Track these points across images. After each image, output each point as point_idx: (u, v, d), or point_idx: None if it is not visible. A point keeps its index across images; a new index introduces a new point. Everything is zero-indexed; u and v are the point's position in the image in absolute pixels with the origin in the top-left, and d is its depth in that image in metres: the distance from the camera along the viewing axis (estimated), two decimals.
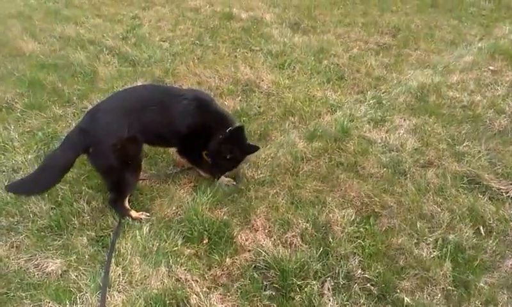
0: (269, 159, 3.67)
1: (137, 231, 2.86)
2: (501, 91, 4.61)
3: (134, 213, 3.05)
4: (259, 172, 3.52)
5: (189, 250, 2.78)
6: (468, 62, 5.27)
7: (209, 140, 3.20)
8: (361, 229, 2.91)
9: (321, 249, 2.76)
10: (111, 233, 2.88)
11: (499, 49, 5.53)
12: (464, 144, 3.79)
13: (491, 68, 5.10)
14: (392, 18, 6.85)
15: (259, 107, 4.48)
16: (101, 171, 3.00)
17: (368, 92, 4.72)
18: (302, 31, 6.50)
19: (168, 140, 3.25)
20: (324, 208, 3.11)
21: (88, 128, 2.84)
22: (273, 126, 4.14)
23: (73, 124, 3.86)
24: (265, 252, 2.69)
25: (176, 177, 3.46)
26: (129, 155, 2.92)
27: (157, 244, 2.77)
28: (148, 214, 3.09)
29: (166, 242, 2.81)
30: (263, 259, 2.67)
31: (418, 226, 2.92)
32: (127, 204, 3.07)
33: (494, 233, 2.85)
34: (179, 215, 3.06)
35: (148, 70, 5.26)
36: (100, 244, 2.87)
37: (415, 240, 2.83)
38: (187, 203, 3.13)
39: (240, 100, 4.63)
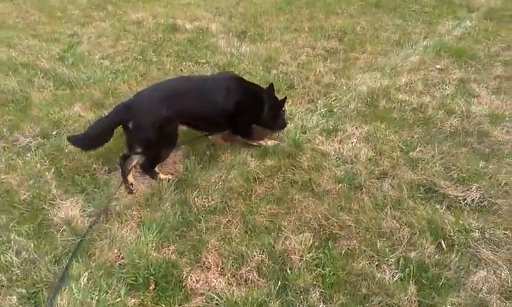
0: (220, 183, 3.44)
1: (73, 284, 2.55)
2: (449, 90, 4.62)
3: (162, 175, 3.51)
4: (209, 199, 3.29)
5: (133, 300, 2.50)
6: (415, 62, 5.27)
7: (254, 110, 3.77)
8: (320, 255, 2.74)
9: (279, 283, 2.57)
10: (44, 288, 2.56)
11: (444, 47, 5.58)
12: (418, 150, 3.72)
13: (437, 66, 5.12)
14: (337, 21, 6.81)
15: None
16: (139, 142, 3.36)
17: (319, 100, 4.60)
18: (249, 39, 6.33)
19: (214, 121, 3.65)
20: (280, 234, 2.93)
21: (131, 104, 3.32)
22: (224, 146, 3.92)
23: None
24: (218, 296, 2.46)
25: (118, 213, 3.17)
26: (165, 131, 3.36)
27: (97, 297, 2.48)
28: (173, 175, 3.58)
29: (107, 292, 2.52)
30: (216, 304, 2.44)
31: (378, 245, 2.79)
32: (156, 168, 3.52)
33: (456, 246, 2.75)
34: (122, 258, 2.77)
35: (87, 92, 4.90)
36: (33, 301, 2.54)
37: (376, 262, 2.68)
38: (130, 243, 2.85)
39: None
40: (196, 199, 3.28)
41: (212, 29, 6.70)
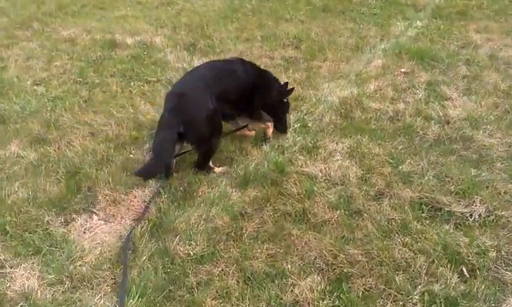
0: (202, 223, 2.99)
1: None
2: (420, 94, 4.49)
3: (217, 169, 3.54)
4: (194, 244, 2.83)
5: None
6: (379, 67, 5.12)
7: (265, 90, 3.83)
8: (337, 302, 2.39)
9: None
10: None
11: (403, 48, 5.49)
12: (407, 163, 3.51)
13: (402, 70, 5.00)
14: (289, 28, 6.54)
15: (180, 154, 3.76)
16: (196, 142, 3.46)
17: (291, 116, 4.26)
18: (200, 52, 5.87)
19: (237, 102, 3.67)
20: (285, 281, 2.54)
21: (179, 107, 3.33)
22: (198, 177, 3.46)
23: None
24: None
25: (86, 277, 2.61)
26: (216, 123, 3.43)
27: None
28: (226, 168, 3.58)
29: None
30: None
31: (397, 281, 2.49)
32: (210, 163, 3.53)
33: (478, 272, 2.53)
34: None
35: (23, 127, 4.21)
36: None
37: (401, 303, 2.38)
38: None
39: (148, 149, 3.85)
40: (177, 247, 2.81)
41: (156, 43, 6.16)
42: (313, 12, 7.23)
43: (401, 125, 4.03)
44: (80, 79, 5.21)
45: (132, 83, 5.09)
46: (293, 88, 4.02)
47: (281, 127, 3.96)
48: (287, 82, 4.01)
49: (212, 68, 3.80)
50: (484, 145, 3.66)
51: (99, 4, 8.24)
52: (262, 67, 4.14)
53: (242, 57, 4.15)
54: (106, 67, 5.49)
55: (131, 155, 3.75)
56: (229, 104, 3.59)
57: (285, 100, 3.97)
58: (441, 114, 4.10)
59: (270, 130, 3.93)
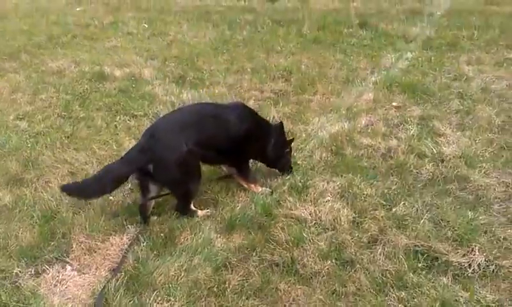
0: (183, 275, 2.78)
1: None
2: (412, 129, 4.36)
3: (200, 213, 3.35)
4: (172, 301, 2.61)
5: None
6: (370, 101, 5.01)
7: (262, 143, 3.63)
8: None
9: None
10: None
11: (394, 81, 5.40)
12: (401, 205, 3.33)
13: (394, 104, 4.89)
14: (280, 60, 6.48)
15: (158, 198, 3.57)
16: (166, 184, 3.27)
17: None
18: (189, 84, 5.77)
19: (223, 150, 3.44)
20: None
21: (148, 146, 3.12)
22: (181, 221, 3.26)
23: None
24: None
25: None
26: (190, 167, 3.21)
27: None
28: (210, 211, 3.40)
29: None
30: None
31: None
32: (192, 206, 3.35)
33: None
34: None
35: (1, 165, 4.02)
36: None
37: None
38: None
39: (131, 190, 3.67)
40: (155, 303, 2.59)
41: (145, 76, 6.06)
42: (304, 44, 7.19)
43: (394, 162, 3.88)
44: (65, 113, 5.06)
45: (118, 117, 4.94)
46: (293, 139, 3.88)
47: (285, 169, 3.81)
48: (292, 139, 3.88)
49: (198, 111, 3.57)
50: (481, 185, 3.51)
51: (90, 34, 8.20)
52: (261, 116, 3.86)
53: (243, 103, 3.92)
54: (92, 100, 5.35)
55: (111, 197, 3.55)
56: (212, 151, 3.41)
57: (287, 151, 3.78)
58: (435, 151, 3.96)
59: (254, 189, 3.61)
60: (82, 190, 3.13)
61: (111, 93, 5.55)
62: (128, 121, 4.84)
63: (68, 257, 3.00)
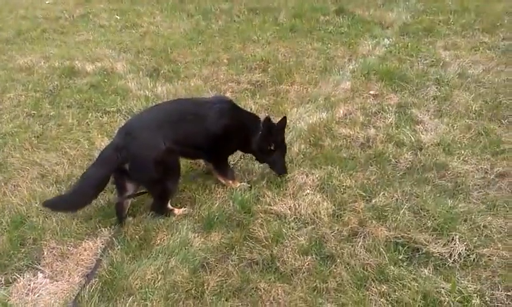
0: (159, 278, 2.69)
1: None
2: (390, 118, 4.32)
3: (177, 211, 3.26)
4: (148, 305, 2.52)
5: None
6: (347, 90, 4.95)
7: (244, 139, 3.45)
8: None
9: None
10: None
11: (371, 69, 5.35)
12: (380, 196, 3.30)
13: (371, 92, 4.84)
14: (256, 49, 6.35)
15: (133, 198, 3.45)
16: (143, 183, 3.18)
17: None
18: (163, 78, 5.60)
19: (201, 147, 3.33)
20: None
21: (124, 144, 2.98)
22: (156, 222, 3.16)
23: None
24: None
25: None
26: (168, 165, 3.10)
27: None
28: (187, 209, 3.30)
29: None
30: None
31: None
32: (169, 205, 3.26)
33: None
34: None
35: None
36: None
37: None
38: None
39: (104, 192, 3.53)
40: None
41: (118, 70, 5.86)
42: (280, 32, 7.06)
43: (373, 152, 3.84)
44: (34, 112, 4.86)
45: (90, 114, 4.76)
46: (284, 122, 3.47)
47: (277, 169, 3.58)
48: (269, 120, 3.49)
49: (175, 107, 3.44)
50: (459, 172, 3.49)
51: (59, 28, 7.89)
52: (246, 109, 3.71)
53: (224, 98, 3.84)
54: (63, 97, 5.15)
55: None
56: (190, 148, 3.31)
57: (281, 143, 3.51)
58: (413, 139, 3.94)
59: (233, 185, 3.51)
60: (66, 204, 3.04)
61: (83, 88, 5.36)
62: (100, 118, 4.68)
63: (40, 264, 2.90)
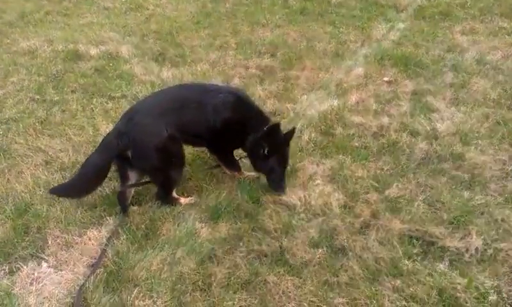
0: (166, 270, 2.62)
1: None
2: (405, 106, 4.17)
3: (183, 200, 3.17)
4: (155, 298, 2.46)
5: None
6: (360, 76, 4.79)
7: (244, 136, 3.18)
8: None
9: None
10: None
11: (385, 54, 5.18)
12: (394, 187, 3.19)
13: (385, 79, 4.69)
14: (265, 33, 6.18)
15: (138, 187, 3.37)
16: (145, 171, 3.10)
17: None
18: (169, 62, 5.46)
19: (203, 137, 3.20)
20: None
21: (125, 130, 2.92)
22: (162, 211, 3.08)
23: None
24: None
25: None
26: (171, 153, 3.00)
27: None
28: (193, 198, 3.22)
29: None
30: None
31: None
32: (174, 194, 3.17)
33: None
34: None
35: None
36: None
37: None
38: None
39: (109, 179, 3.45)
40: (136, 301, 2.44)
41: (123, 53, 5.72)
42: (290, 15, 6.87)
43: (386, 141, 3.71)
44: (38, 97, 4.75)
45: (95, 100, 4.66)
46: (291, 135, 3.17)
47: (273, 184, 3.20)
48: (278, 124, 3.21)
49: (180, 94, 3.26)
50: (476, 163, 3.36)
51: (63, 10, 7.73)
52: (254, 107, 3.29)
53: (237, 88, 3.79)
54: (67, 82, 5.04)
55: None
56: (193, 137, 3.19)
57: (281, 150, 3.16)
58: (428, 128, 3.80)
59: (239, 176, 3.40)
60: (71, 191, 3.05)
61: (87, 73, 5.24)
62: (105, 104, 4.57)
63: (44, 253, 2.83)
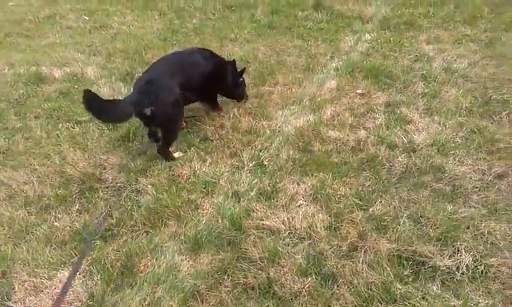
0: None
1: None
2: (380, 118, 4.14)
3: (175, 154, 3.83)
4: None
5: None
6: (333, 89, 4.75)
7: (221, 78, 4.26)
8: None
9: None
10: None
11: (356, 66, 5.17)
12: (378, 204, 3.13)
13: (358, 91, 4.66)
14: (235, 48, 6.09)
15: (111, 218, 3.18)
16: (162, 124, 3.70)
17: (244, 153, 3.80)
18: None
19: (198, 89, 4.03)
20: None
21: (148, 90, 3.50)
22: (139, 246, 2.89)
23: None
24: None
25: None
26: (180, 108, 3.76)
27: None
28: (181, 153, 3.88)
29: None
30: None
31: None
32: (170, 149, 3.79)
33: None
34: None
35: None
36: None
37: None
38: None
39: (78, 211, 3.26)
40: None
41: (88, 74, 5.51)
42: (258, 29, 6.80)
43: (365, 156, 3.65)
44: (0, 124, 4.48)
45: (60, 125, 4.43)
46: (244, 68, 4.48)
47: (241, 98, 4.54)
48: (234, 60, 4.39)
49: (178, 59, 4.03)
50: (456, 175, 3.35)
51: (24, 31, 7.41)
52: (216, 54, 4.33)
53: (200, 47, 4.47)
54: (30, 107, 4.78)
55: (56, 223, 3.12)
56: (191, 91, 3.90)
57: (241, 81, 4.42)
58: (405, 140, 3.77)
59: (219, 111, 4.44)
60: (99, 110, 3.28)
61: (51, 96, 4.99)
62: (72, 129, 4.35)
63: (11, 300, 2.62)
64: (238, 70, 4.39)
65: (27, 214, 3.24)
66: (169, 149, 3.79)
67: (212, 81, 4.08)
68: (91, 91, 3.20)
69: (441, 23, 6.37)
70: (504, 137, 3.69)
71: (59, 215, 3.22)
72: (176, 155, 3.82)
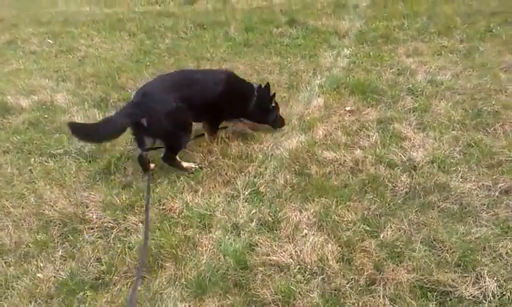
0: None
1: None
2: (374, 136, 4.02)
3: (184, 164, 3.77)
4: None
5: None
6: (321, 107, 4.61)
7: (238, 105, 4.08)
8: None
9: None
10: None
11: (340, 82, 5.06)
12: (387, 229, 2.97)
13: (347, 108, 4.54)
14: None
15: (100, 263, 2.87)
16: (158, 135, 3.62)
17: (237, 181, 3.58)
18: (113, 107, 4.96)
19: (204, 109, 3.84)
20: None
21: (142, 101, 3.52)
22: (137, 297, 2.60)
23: None
24: None
25: None
26: (179, 120, 3.63)
27: None
28: (196, 165, 3.81)
29: None
30: None
31: None
32: (177, 158, 3.75)
33: None
34: None
35: None
36: None
37: None
38: None
39: (62, 258, 2.94)
40: None
41: (59, 102, 5.17)
42: (234, 48, 6.64)
43: (365, 177, 3.51)
44: None
45: (33, 160, 4.09)
46: (274, 93, 4.19)
47: (276, 125, 4.29)
48: (267, 86, 4.17)
49: (185, 76, 4.02)
50: (462, 192, 3.24)
51: None
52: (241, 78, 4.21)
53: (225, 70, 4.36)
54: None
55: (39, 274, 2.78)
56: (194, 109, 3.70)
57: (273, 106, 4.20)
58: (404, 158, 3.66)
59: (210, 139, 4.14)
60: (88, 133, 3.48)
61: (20, 128, 4.62)
62: (46, 164, 4.01)
63: None
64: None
65: (4, 265, 2.89)
66: (176, 157, 3.75)
67: (221, 103, 3.85)
68: (75, 122, 3.26)
69: (417, 35, 6.41)
70: (502, 150, 3.63)
71: (41, 264, 2.89)
72: (186, 164, 3.76)
